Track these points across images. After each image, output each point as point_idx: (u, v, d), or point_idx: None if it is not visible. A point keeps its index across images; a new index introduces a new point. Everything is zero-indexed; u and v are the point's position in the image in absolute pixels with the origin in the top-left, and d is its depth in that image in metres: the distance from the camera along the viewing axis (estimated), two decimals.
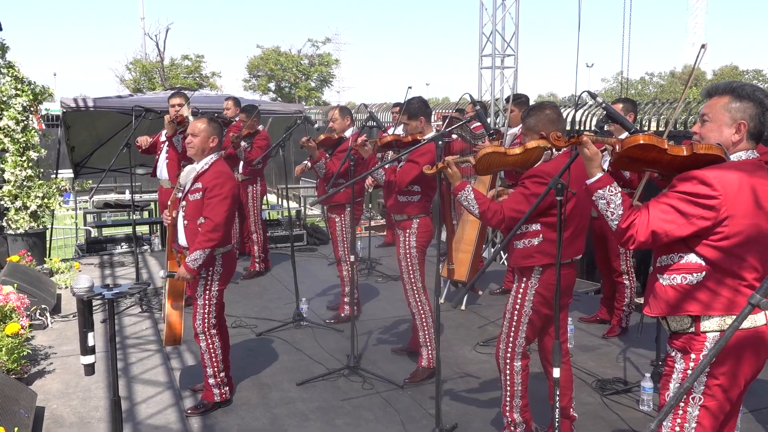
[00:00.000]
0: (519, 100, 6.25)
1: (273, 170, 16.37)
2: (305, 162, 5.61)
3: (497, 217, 3.30)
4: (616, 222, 2.40)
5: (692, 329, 2.32)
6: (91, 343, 2.57)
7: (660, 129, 7.92)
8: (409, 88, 4.85)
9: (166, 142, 6.53)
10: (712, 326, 2.28)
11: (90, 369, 2.68)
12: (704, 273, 2.29)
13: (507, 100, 6.72)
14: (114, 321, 2.57)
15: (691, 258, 2.32)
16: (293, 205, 11.37)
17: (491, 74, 8.44)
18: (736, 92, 2.37)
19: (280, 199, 15.53)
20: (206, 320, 4.07)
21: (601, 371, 4.75)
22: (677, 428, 2.33)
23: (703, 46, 2.94)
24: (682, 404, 2.31)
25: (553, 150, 3.29)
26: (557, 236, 2.70)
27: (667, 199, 2.32)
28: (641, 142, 2.36)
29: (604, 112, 2.67)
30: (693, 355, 2.31)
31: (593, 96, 2.65)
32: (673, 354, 2.40)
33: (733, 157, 2.36)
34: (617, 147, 2.43)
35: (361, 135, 4.60)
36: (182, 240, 4.08)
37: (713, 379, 2.28)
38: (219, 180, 3.98)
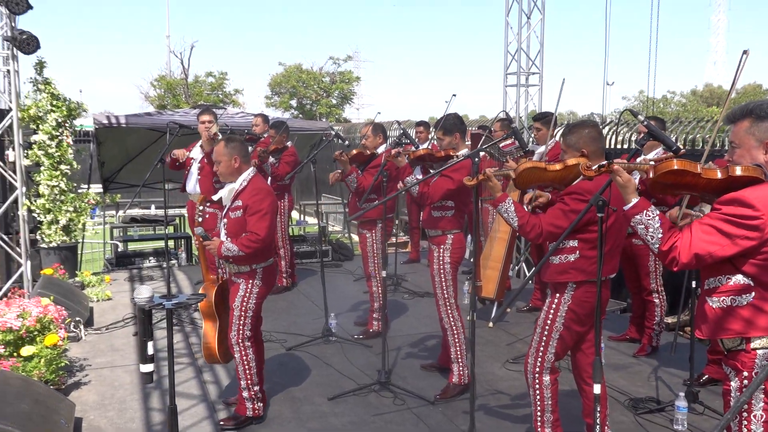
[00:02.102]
0: (545, 118, 6.25)
1: (295, 187, 16.46)
2: (338, 170, 5.67)
3: (535, 231, 3.35)
4: (657, 245, 2.42)
5: (742, 346, 2.32)
6: (150, 352, 2.62)
7: (687, 147, 7.90)
8: (454, 95, 4.87)
9: (198, 158, 6.65)
10: (763, 343, 2.29)
11: (148, 377, 2.73)
12: (753, 293, 2.30)
13: (534, 118, 6.71)
14: (172, 330, 2.63)
15: (739, 278, 2.33)
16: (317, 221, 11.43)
17: (516, 92, 8.51)
18: (754, 113, 2.37)
19: (302, 216, 15.61)
20: (241, 332, 4.13)
21: (633, 390, 4.73)
22: None
23: (745, 52, 2.83)
24: (745, 423, 2.31)
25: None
26: (598, 252, 2.72)
27: (710, 220, 2.33)
28: (675, 167, 2.37)
29: (645, 131, 2.69)
30: (745, 373, 2.31)
31: (635, 114, 2.70)
32: (727, 372, 2.40)
33: None
34: (651, 173, 2.44)
35: (395, 149, 4.67)
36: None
37: None
38: (258, 196, 4.04)
